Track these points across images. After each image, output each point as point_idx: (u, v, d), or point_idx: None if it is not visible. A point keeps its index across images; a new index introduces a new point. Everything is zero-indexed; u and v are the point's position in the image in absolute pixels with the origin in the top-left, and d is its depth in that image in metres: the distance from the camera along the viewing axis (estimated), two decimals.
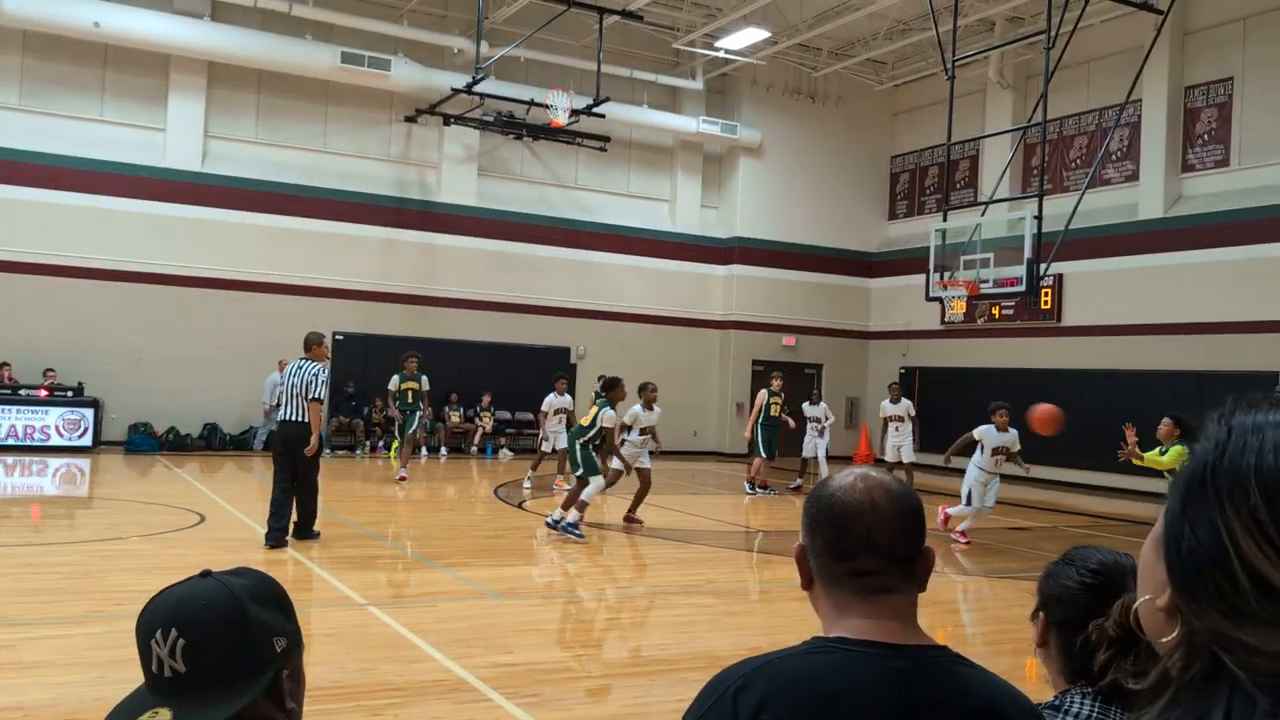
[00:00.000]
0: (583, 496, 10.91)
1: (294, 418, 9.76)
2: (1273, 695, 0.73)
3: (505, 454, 21.22)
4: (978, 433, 11.80)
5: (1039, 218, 14.67)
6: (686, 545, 11.31)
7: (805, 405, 17.49)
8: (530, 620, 7.56)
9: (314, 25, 20.04)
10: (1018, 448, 11.84)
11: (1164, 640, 0.83)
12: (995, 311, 21.70)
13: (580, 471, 11.09)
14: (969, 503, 11.81)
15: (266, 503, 9.78)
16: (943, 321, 22.46)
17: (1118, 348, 19.39)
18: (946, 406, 20.61)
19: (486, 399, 21.52)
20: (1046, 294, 20.13)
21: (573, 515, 10.82)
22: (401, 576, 9.11)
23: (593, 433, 11.15)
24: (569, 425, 15.99)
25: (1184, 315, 18.38)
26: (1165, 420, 9.05)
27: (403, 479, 15.51)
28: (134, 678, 1.32)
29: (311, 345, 10.12)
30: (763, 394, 16.50)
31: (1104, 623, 1.69)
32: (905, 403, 16.41)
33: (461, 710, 5.34)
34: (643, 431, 12.64)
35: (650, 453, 12.76)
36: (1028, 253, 14.74)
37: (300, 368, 9.91)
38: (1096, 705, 1.75)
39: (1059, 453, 18.50)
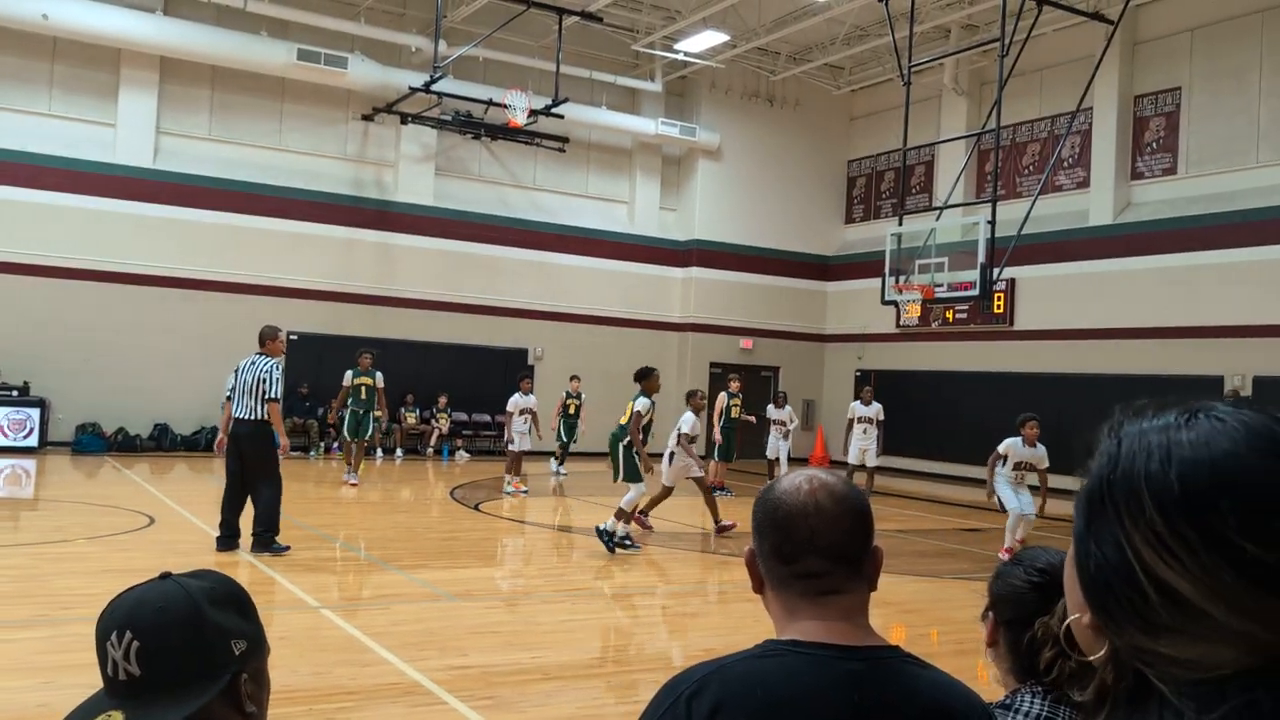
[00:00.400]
0: (622, 504, 10.59)
1: (245, 415, 9.33)
2: (1196, 701, 0.74)
3: (462, 455, 21.11)
4: (1002, 447, 10.69)
5: (992, 223, 14.86)
6: (643, 547, 11.31)
7: (770, 408, 17.61)
8: (486, 623, 7.52)
9: (269, 21, 19.82)
10: (1045, 464, 10.57)
11: (1094, 657, 0.84)
12: (949, 315, 21.95)
13: (620, 477, 10.81)
14: (1003, 508, 10.83)
15: (218, 505, 9.64)
16: (898, 325, 22.67)
17: (1069, 351, 19.70)
18: (902, 409, 20.79)
19: (443, 400, 21.39)
20: (999, 298, 20.41)
21: (621, 529, 10.51)
22: (355, 579, 9.03)
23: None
24: (535, 424, 15.94)
25: (1133, 320, 18.71)
26: None
27: (354, 484, 14.97)
28: (81, 682, 1.30)
29: (266, 340, 9.63)
30: (722, 396, 16.59)
31: (1049, 620, 1.71)
32: (876, 406, 16.48)
33: (416, 714, 5.30)
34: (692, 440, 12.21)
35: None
36: (981, 257, 14.93)
37: (254, 364, 9.44)
38: (1047, 704, 1.77)
39: None
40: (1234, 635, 0.74)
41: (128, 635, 1.27)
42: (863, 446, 16.29)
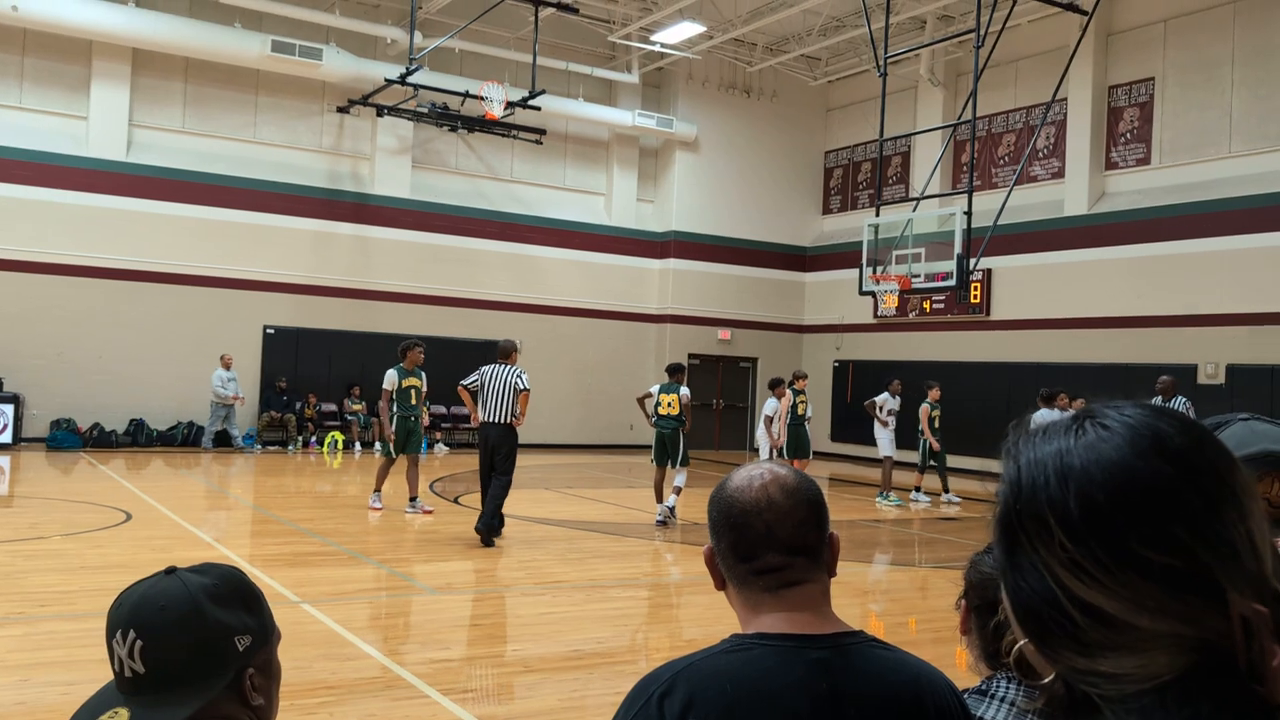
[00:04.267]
0: (680, 484, 12.26)
1: (495, 419, 10.66)
2: (1139, 716, 0.74)
3: (441, 448, 21.05)
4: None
5: (968, 214, 14.94)
6: (621, 539, 11.35)
7: (886, 397, 16.26)
8: (466, 615, 7.52)
9: (243, 13, 19.64)
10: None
11: (1046, 679, 0.83)
12: (926, 305, 22.06)
13: (680, 462, 12.19)
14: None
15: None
16: (875, 315, 22.77)
17: (1045, 341, 19.85)
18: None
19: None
20: (976, 288, 20.54)
21: (672, 500, 12.19)
22: (336, 573, 9.00)
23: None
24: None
25: (1108, 309, 18.87)
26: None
27: (428, 512, 12.38)
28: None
29: (510, 353, 11.01)
30: (788, 395, 14.93)
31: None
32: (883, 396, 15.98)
33: (397, 707, 5.30)
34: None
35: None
36: (958, 248, 15.01)
37: (502, 370, 10.77)
38: (1022, 689, 1.79)
39: (989, 444, 18.84)
40: (1164, 640, 0.74)
41: (131, 634, 1.29)
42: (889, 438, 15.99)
